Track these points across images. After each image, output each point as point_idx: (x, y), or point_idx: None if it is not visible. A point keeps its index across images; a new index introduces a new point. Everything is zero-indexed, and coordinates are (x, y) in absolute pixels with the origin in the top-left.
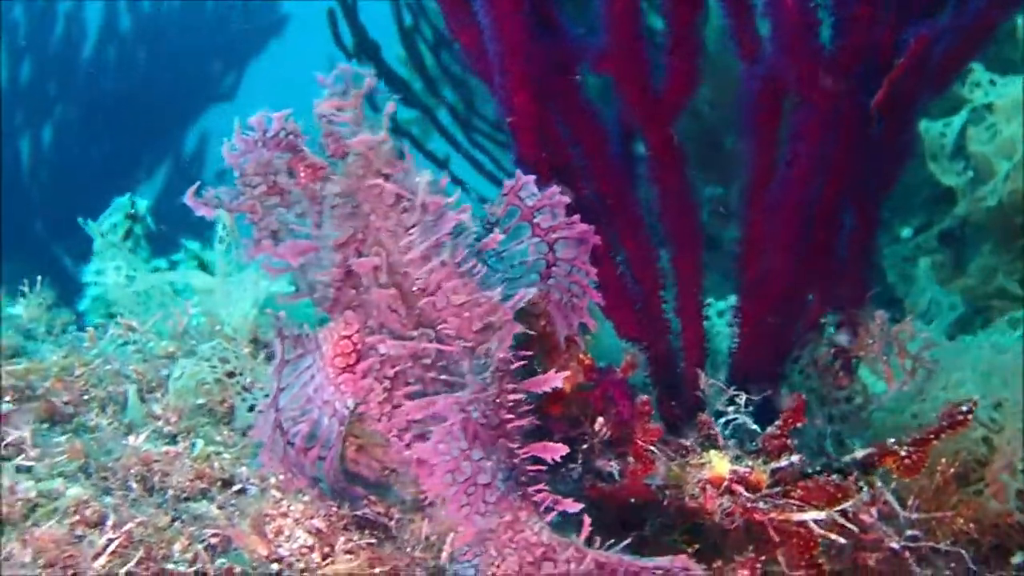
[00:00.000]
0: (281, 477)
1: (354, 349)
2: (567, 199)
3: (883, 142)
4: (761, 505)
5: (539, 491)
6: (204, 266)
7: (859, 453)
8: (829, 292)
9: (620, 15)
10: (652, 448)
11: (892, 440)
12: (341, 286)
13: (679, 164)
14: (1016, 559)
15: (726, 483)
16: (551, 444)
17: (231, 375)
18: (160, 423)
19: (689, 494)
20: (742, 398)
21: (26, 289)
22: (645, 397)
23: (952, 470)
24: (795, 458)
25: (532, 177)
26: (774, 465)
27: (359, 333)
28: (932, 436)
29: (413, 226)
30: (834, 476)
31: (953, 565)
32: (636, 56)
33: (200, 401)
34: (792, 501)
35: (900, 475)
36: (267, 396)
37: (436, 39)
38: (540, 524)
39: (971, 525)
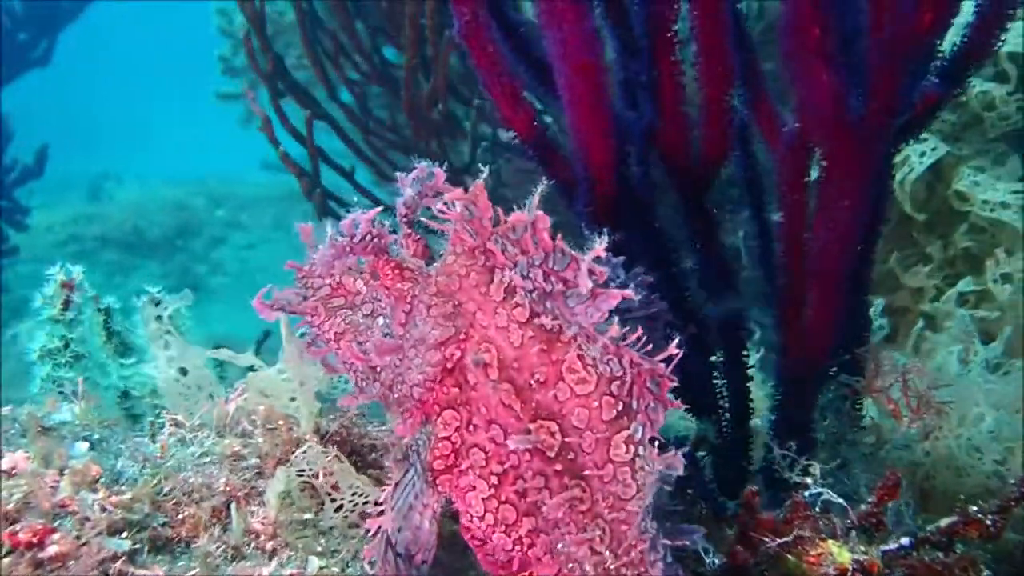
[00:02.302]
0: None
1: (453, 450)
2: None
3: None
4: None
5: None
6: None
7: (944, 522)
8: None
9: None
10: (764, 539)
11: (975, 508)
12: (435, 386)
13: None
14: None
15: (849, 574)
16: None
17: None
18: (262, 539)
19: None
20: (816, 468)
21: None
22: (754, 488)
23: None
24: (905, 540)
25: (622, 258)
26: (884, 547)
27: (458, 432)
28: (1013, 503)
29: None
30: (934, 553)
31: None
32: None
33: (296, 513)
34: None
35: (981, 541)
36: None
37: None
38: None
39: None
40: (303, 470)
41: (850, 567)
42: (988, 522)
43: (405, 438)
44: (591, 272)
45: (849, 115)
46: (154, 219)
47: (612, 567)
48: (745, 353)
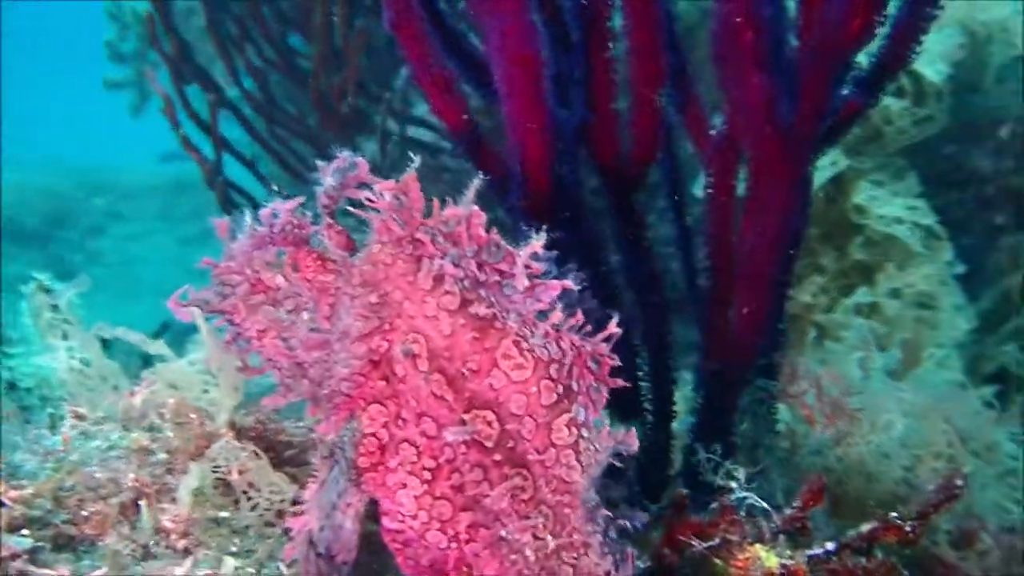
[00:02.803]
0: None
1: (379, 446)
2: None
3: None
4: None
5: None
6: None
7: (864, 528)
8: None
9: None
10: (691, 542)
11: (894, 515)
12: (361, 380)
13: (641, 230)
14: None
15: None
16: None
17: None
18: (173, 538)
19: None
20: (741, 472)
21: None
22: (684, 490)
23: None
24: (830, 545)
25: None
26: (809, 552)
27: (385, 428)
28: (932, 509)
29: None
30: (856, 558)
31: None
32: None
33: (210, 511)
34: None
35: (900, 547)
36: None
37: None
38: None
39: None
40: (219, 466)
41: (777, 572)
42: (907, 528)
43: (330, 435)
44: (527, 267)
45: (780, 119)
46: (29, 208)
47: (552, 548)
48: (669, 354)
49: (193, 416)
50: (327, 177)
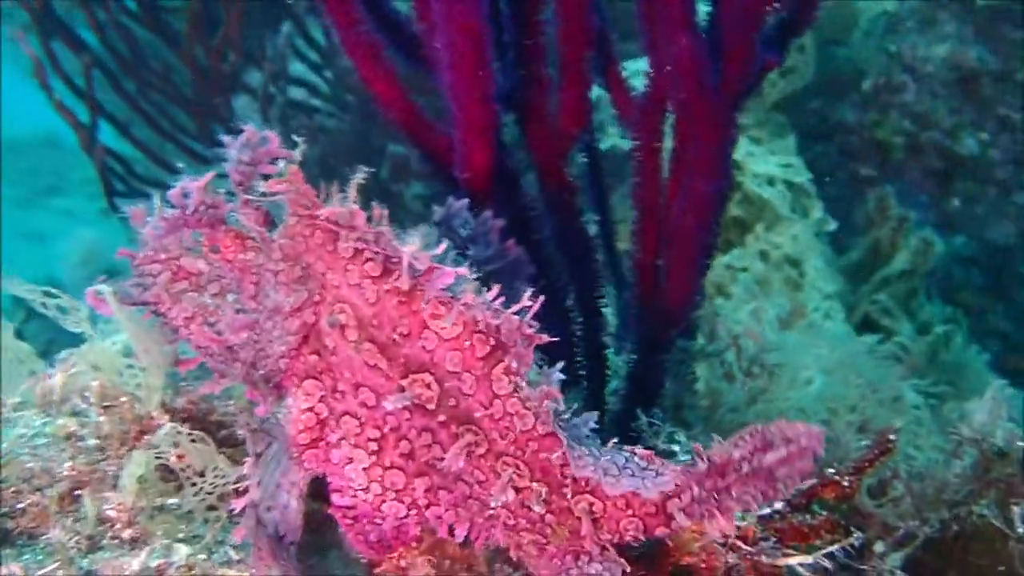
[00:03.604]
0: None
1: (318, 421)
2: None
3: None
4: (764, 558)
5: None
6: None
7: (803, 485)
8: None
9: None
10: None
11: (832, 470)
12: (296, 356)
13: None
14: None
15: (730, 540)
16: None
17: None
18: (118, 527)
19: (687, 552)
20: (681, 434)
21: None
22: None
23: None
24: (779, 504)
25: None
26: (758, 513)
27: (323, 402)
28: (867, 464)
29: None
30: (800, 515)
31: None
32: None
33: (155, 498)
34: (786, 549)
35: (835, 502)
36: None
37: None
38: None
39: None
40: (162, 451)
41: (732, 534)
42: (844, 483)
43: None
44: (411, 267)
45: (707, 80)
46: None
47: (544, 494)
48: (602, 320)
49: (124, 400)
50: (235, 152)
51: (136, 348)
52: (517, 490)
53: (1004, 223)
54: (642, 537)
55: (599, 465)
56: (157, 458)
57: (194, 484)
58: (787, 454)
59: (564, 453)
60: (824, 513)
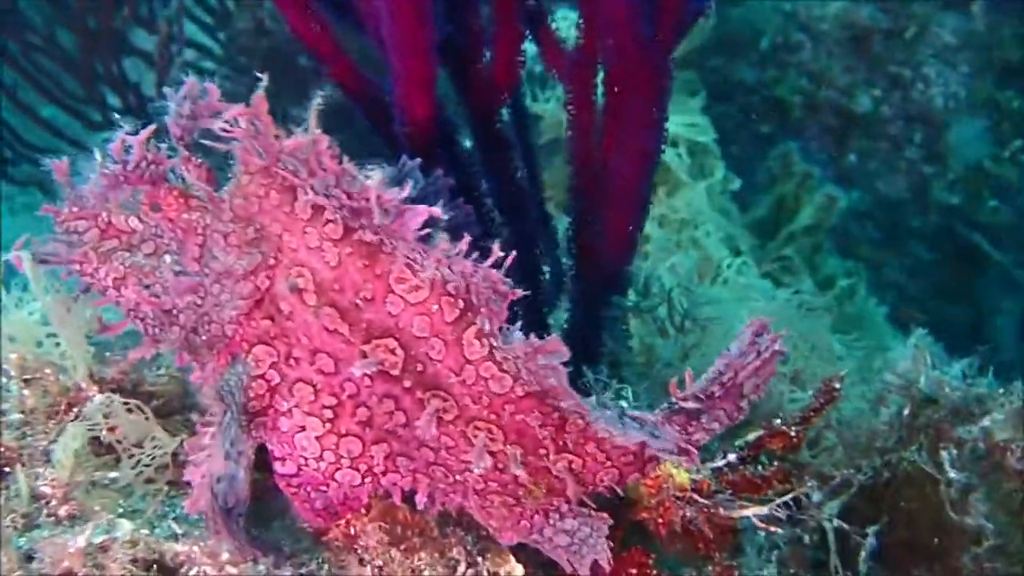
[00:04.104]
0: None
1: (269, 389)
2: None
3: None
4: (722, 511)
5: None
6: None
7: (750, 436)
8: None
9: None
10: None
11: (779, 421)
12: (247, 321)
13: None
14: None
15: (688, 494)
16: None
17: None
18: (54, 504)
19: (644, 507)
20: (628, 391)
21: None
22: None
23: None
24: (732, 456)
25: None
26: (712, 465)
27: (274, 368)
28: (813, 414)
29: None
30: (752, 467)
31: None
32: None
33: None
34: (740, 500)
35: (783, 452)
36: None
37: None
38: None
39: None
40: (96, 423)
41: (689, 487)
42: (792, 434)
43: (213, 381)
44: (380, 201)
45: (642, 31)
46: None
47: (520, 457)
48: (541, 277)
49: (48, 371)
50: (175, 105)
51: (52, 316)
52: (491, 454)
53: (897, 178)
54: (616, 487)
55: (607, 418)
56: (90, 431)
57: (131, 456)
58: (756, 364)
59: (545, 412)
60: (775, 463)
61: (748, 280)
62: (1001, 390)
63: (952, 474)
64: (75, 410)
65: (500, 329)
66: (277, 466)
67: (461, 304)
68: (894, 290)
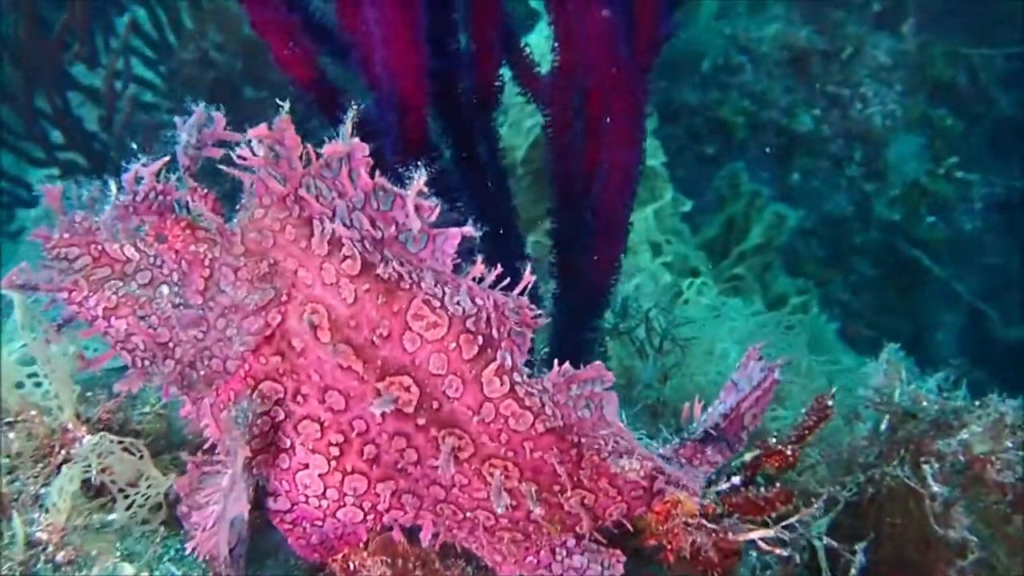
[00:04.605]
0: None
1: (272, 426)
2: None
3: None
4: (730, 535)
5: None
6: None
7: (747, 457)
8: None
9: None
10: None
11: (774, 440)
12: (253, 357)
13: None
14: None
15: (698, 520)
16: None
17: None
18: (51, 550)
19: (652, 533)
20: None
21: None
22: None
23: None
24: (736, 479)
25: None
26: (717, 489)
27: (279, 406)
28: (807, 432)
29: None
30: (753, 488)
31: None
32: None
33: (87, 515)
34: (745, 524)
35: (778, 472)
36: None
37: None
38: None
39: None
40: (90, 464)
41: (698, 513)
42: (788, 452)
43: (208, 417)
44: (419, 209)
45: (621, 51)
46: None
47: (535, 493)
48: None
49: (34, 413)
50: (184, 134)
51: (38, 354)
52: (506, 491)
53: (839, 196)
54: (624, 520)
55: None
56: (84, 472)
57: (126, 497)
58: (757, 395)
59: (563, 448)
60: (777, 485)
61: (710, 300)
62: (977, 403)
63: (935, 488)
64: (63, 452)
65: (524, 362)
66: (270, 502)
67: (480, 340)
68: (839, 307)
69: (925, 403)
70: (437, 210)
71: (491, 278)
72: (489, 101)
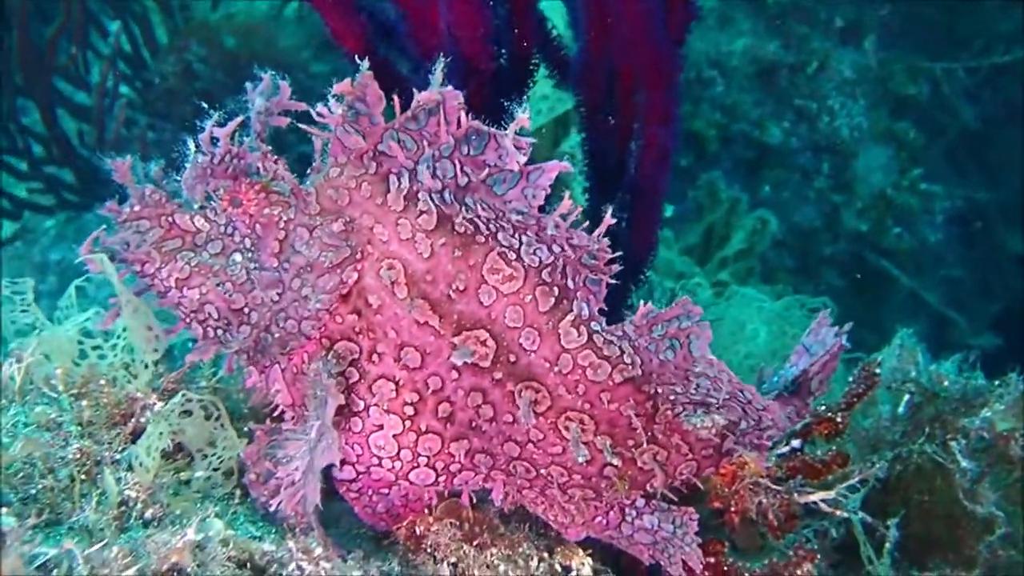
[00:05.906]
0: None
1: (346, 387)
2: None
3: None
4: (796, 496)
5: None
6: None
7: (798, 425)
8: None
9: None
10: None
11: (824, 407)
12: (329, 317)
13: None
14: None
15: (765, 482)
16: None
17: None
18: (140, 507)
19: (718, 496)
20: None
21: None
22: None
23: None
24: (796, 443)
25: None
26: (778, 452)
27: (354, 366)
28: (856, 399)
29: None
30: (811, 452)
31: None
32: None
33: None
34: (807, 487)
35: (828, 439)
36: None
37: None
38: None
39: None
40: (172, 423)
41: (764, 474)
42: (838, 419)
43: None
44: (517, 147)
45: (656, 27)
46: None
47: (608, 445)
48: None
49: (103, 383)
50: (255, 100)
51: (127, 317)
52: (594, 448)
53: (808, 207)
54: (694, 479)
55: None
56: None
57: (205, 457)
58: (824, 360)
59: (639, 400)
60: (833, 447)
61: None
62: (996, 382)
63: (964, 463)
64: (149, 410)
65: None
66: (335, 471)
67: (556, 292)
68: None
69: (947, 382)
70: (531, 144)
71: (576, 213)
72: (523, 78)
